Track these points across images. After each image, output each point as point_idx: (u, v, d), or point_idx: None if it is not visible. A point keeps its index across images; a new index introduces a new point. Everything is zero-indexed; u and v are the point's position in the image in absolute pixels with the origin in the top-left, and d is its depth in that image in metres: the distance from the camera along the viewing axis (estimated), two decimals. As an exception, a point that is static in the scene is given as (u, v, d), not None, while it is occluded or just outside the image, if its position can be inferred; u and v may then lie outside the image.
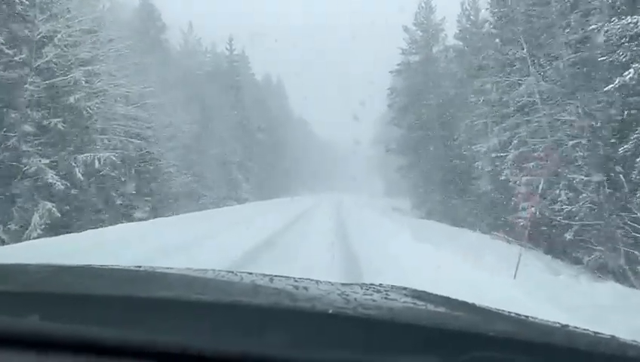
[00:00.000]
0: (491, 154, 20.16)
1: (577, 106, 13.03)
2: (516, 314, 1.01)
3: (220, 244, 10.76)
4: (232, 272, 1.23)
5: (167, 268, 1.26)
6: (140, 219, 19.40)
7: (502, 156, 18.58)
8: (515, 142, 16.49)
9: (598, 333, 0.87)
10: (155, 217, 20.40)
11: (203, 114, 33.27)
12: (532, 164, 14.74)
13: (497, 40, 19.63)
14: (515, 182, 15.81)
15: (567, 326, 0.91)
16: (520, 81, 14.35)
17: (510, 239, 14.94)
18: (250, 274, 1.21)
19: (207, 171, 33.29)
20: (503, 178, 18.01)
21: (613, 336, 0.86)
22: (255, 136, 46.54)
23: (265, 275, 1.16)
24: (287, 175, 64.06)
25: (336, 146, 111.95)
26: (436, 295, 1.11)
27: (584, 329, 0.90)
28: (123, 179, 19.36)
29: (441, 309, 1.02)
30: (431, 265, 7.48)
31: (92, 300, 0.90)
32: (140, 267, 1.29)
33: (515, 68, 16.23)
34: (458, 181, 24.73)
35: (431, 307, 1.02)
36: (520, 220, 14.88)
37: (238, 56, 44.91)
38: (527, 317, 0.99)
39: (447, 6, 27.83)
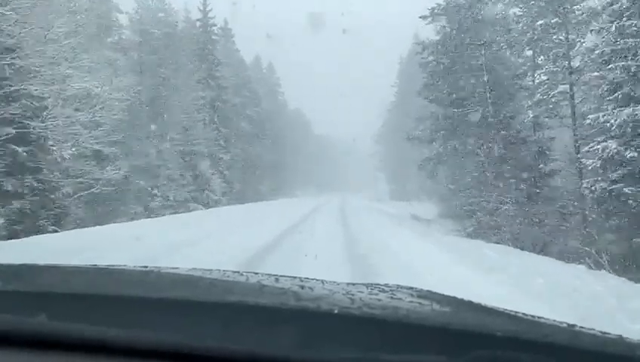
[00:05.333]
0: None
1: None
2: (523, 313, 0.97)
3: None
4: (238, 272, 1.21)
5: (174, 268, 1.24)
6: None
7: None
8: None
9: (606, 333, 0.85)
10: (25, 235, 11.45)
11: (156, 84, 24.34)
12: None
13: None
14: None
15: (574, 326, 0.88)
16: None
17: None
18: (256, 274, 1.19)
19: (160, 163, 24.35)
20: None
21: (620, 336, 0.83)
22: (236, 124, 37.59)
23: (270, 275, 1.14)
24: (280, 173, 55.12)
25: (336, 143, 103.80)
26: (442, 294, 1.08)
27: (591, 329, 0.86)
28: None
29: (447, 309, 1.02)
30: None
31: (99, 300, 0.89)
32: (146, 267, 1.26)
33: None
34: (533, 181, 15.83)
35: (437, 306, 0.99)
36: None
37: (217, 27, 35.97)
38: (533, 316, 0.96)
39: None
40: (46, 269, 1.22)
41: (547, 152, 16.92)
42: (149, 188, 23.67)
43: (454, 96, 18.96)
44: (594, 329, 0.86)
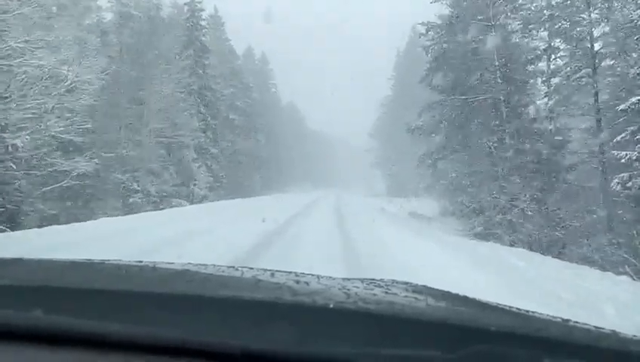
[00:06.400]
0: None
1: None
2: (517, 308, 0.96)
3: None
4: (233, 267, 1.20)
5: (169, 263, 1.21)
6: None
7: None
8: None
9: (599, 328, 0.84)
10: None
11: (137, 69, 22.46)
12: None
13: None
14: None
15: (568, 320, 0.87)
16: None
17: None
18: (251, 269, 1.18)
19: (141, 155, 22.50)
20: None
21: (614, 331, 0.82)
22: (226, 115, 35.74)
23: (266, 270, 1.13)
24: (273, 168, 53.31)
25: (332, 141, 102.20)
26: (437, 289, 1.07)
27: (585, 324, 0.86)
28: None
29: (442, 303, 1.00)
30: None
31: (94, 294, 0.88)
32: (141, 262, 1.23)
33: None
34: (549, 175, 14.14)
35: (432, 301, 0.97)
36: None
37: (206, 11, 33.98)
38: (527, 311, 0.95)
39: None
40: (41, 263, 1.21)
41: (566, 143, 15.30)
42: (128, 183, 21.84)
43: (461, 82, 17.23)
44: (588, 324, 0.85)
